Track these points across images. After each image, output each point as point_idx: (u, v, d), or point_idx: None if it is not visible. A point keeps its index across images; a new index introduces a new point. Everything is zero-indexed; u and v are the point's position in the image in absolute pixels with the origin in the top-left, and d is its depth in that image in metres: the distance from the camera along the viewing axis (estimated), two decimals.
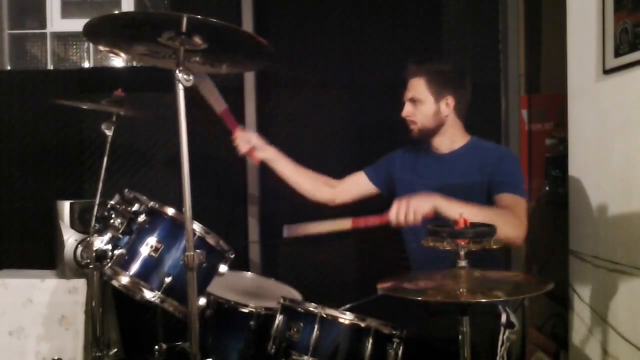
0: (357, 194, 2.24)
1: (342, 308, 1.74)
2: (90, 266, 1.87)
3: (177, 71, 1.45)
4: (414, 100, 2.01)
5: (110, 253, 1.73)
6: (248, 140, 2.12)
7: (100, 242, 1.75)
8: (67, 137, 2.74)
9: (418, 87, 2.00)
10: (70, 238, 2.41)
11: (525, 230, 1.79)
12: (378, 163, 2.23)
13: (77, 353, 2.40)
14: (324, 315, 1.64)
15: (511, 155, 2.02)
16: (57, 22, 2.88)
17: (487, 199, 1.92)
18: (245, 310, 1.88)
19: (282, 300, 1.73)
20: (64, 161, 2.74)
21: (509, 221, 1.71)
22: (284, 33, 2.77)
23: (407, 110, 2.03)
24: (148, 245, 1.73)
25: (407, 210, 1.68)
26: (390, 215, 1.70)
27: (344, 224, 1.79)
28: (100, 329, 2.12)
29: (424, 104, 1.99)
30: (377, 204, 2.22)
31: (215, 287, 1.89)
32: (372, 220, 1.75)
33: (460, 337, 1.36)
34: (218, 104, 2.06)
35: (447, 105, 1.99)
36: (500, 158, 1.95)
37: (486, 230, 1.37)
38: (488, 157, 1.96)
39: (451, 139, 2.03)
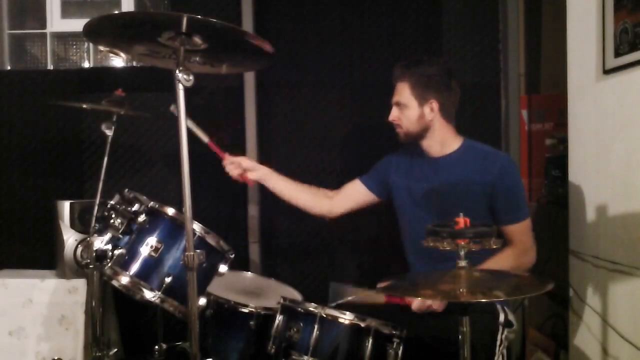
0: (355, 203, 2.21)
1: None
2: (90, 266, 1.87)
3: (177, 71, 1.45)
4: (399, 105, 2.00)
5: (110, 253, 1.73)
6: (238, 164, 2.11)
7: (100, 242, 1.76)
8: (67, 137, 2.74)
9: (403, 91, 1.99)
10: (70, 238, 2.41)
11: (534, 252, 1.96)
12: (373, 170, 2.21)
13: (77, 353, 2.40)
14: (324, 315, 1.64)
15: (512, 165, 1.99)
16: (57, 22, 2.88)
17: (487, 206, 1.93)
18: (245, 310, 1.88)
19: (282, 300, 1.72)
20: (64, 161, 2.74)
21: (520, 261, 1.92)
22: (284, 33, 2.77)
23: (393, 114, 2.02)
24: (148, 245, 1.73)
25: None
26: (413, 305, 1.82)
27: (378, 297, 1.87)
28: (100, 329, 2.12)
29: (409, 109, 1.98)
30: (374, 209, 2.24)
31: (215, 287, 1.89)
32: (404, 300, 1.84)
33: (460, 337, 1.37)
34: (202, 136, 2.06)
35: (432, 110, 1.97)
36: (502, 172, 1.92)
37: (486, 231, 1.37)
38: (488, 165, 1.94)
39: (441, 142, 2.01)
